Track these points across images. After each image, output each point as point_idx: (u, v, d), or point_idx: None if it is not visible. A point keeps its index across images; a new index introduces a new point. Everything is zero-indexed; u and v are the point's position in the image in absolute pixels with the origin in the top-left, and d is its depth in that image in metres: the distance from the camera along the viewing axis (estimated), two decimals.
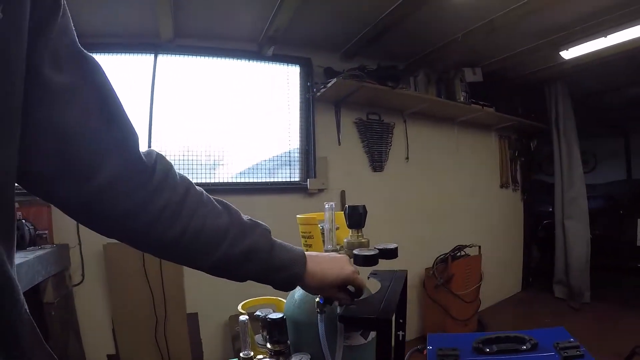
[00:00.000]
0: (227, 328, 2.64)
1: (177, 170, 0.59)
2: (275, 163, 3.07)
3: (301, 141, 3.08)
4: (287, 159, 3.08)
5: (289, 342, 0.84)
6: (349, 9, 2.51)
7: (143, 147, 0.56)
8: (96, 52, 2.58)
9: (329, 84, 2.78)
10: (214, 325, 2.65)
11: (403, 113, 3.41)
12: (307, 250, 0.88)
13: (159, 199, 0.54)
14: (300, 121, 3.08)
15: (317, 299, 0.75)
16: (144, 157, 0.54)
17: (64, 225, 2.34)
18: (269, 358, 0.81)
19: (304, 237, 0.89)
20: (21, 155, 0.42)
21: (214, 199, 0.63)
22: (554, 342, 0.95)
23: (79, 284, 2.37)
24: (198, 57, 2.81)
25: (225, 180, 2.89)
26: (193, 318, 2.61)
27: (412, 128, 3.47)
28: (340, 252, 0.79)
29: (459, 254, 3.34)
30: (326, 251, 0.78)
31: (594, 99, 4.62)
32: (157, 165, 0.55)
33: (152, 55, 2.69)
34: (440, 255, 3.30)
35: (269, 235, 0.68)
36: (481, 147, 4.12)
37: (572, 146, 4.14)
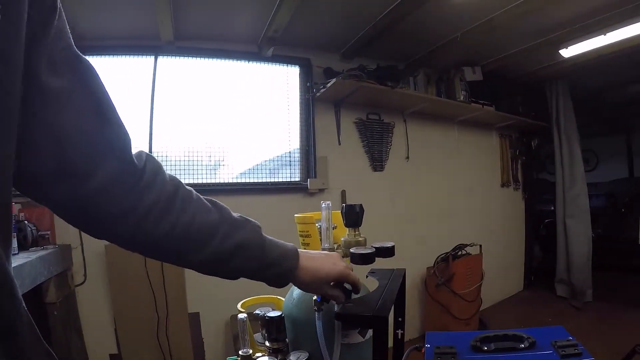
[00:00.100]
0: (228, 327, 2.65)
1: (166, 170, 0.60)
2: (276, 163, 3.08)
3: (301, 141, 3.09)
4: (288, 159, 3.09)
5: (287, 340, 0.85)
6: (348, 9, 2.52)
7: (134, 149, 0.57)
8: (97, 55, 2.60)
9: (329, 84, 2.78)
10: (215, 324, 2.66)
11: (403, 113, 3.42)
12: (305, 249, 0.89)
13: (148, 197, 0.55)
14: (300, 121, 3.08)
15: (315, 297, 0.76)
16: (135, 159, 0.55)
17: (66, 226, 2.33)
18: (267, 356, 0.82)
19: (301, 236, 0.90)
20: (17, 157, 0.43)
21: (204, 198, 0.64)
22: (551, 341, 0.95)
23: (81, 284, 2.39)
24: (198, 59, 2.82)
25: (227, 181, 2.90)
26: (195, 317, 2.62)
27: (412, 127, 3.48)
28: (337, 250, 0.80)
29: (459, 253, 3.34)
30: (323, 250, 0.78)
31: (594, 98, 4.62)
32: (147, 165, 0.56)
33: (153, 57, 2.70)
34: (441, 255, 3.29)
35: (259, 231, 0.68)
36: (482, 146, 4.12)
37: (573, 145, 4.13)
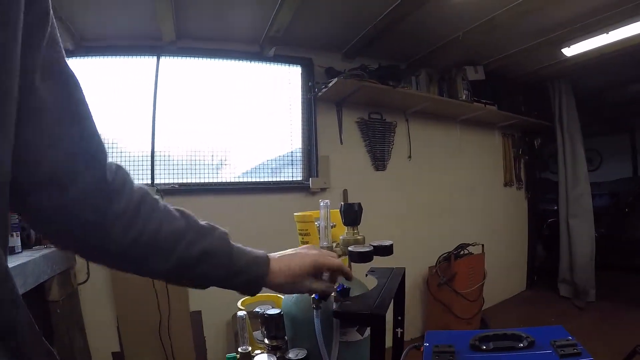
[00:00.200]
0: (230, 326, 2.66)
1: (133, 180, 0.60)
2: (278, 163, 3.09)
3: (303, 141, 3.09)
4: (290, 158, 3.10)
5: (286, 337, 0.85)
6: (348, 9, 2.52)
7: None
8: (99, 55, 2.62)
9: (330, 84, 2.79)
10: (217, 322, 2.67)
11: (405, 112, 3.41)
12: None
13: (118, 206, 0.55)
14: (302, 121, 3.09)
15: (313, 295, 0.76)
16: (108, 171, 0.55)
17: None
18: (266, 353, 0.83)
19: (301, 234, 0.90)
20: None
21: (172, 207, 0.64)
22: (551, 340, 0.95)
23: (84, 282, 2.40)
24: (200, 59, 2.83)
25: (229, 180, 2.91)
26: (197, 316, 2.63)
27: (414, 127, 3.47)
28: (335, 249, 0.80)
29: (462, 252, 3.33)
30: (321, 247, 0.79)
31: (596, 97, 4.60)
32: (117, 175, 0.56)
33: (155, 58, 2.71)
34: (444, 254, 3.29)
35: (227, 238, 0.67)
36: (484, 145, 4.12)
37: (576, 144, 4.12)
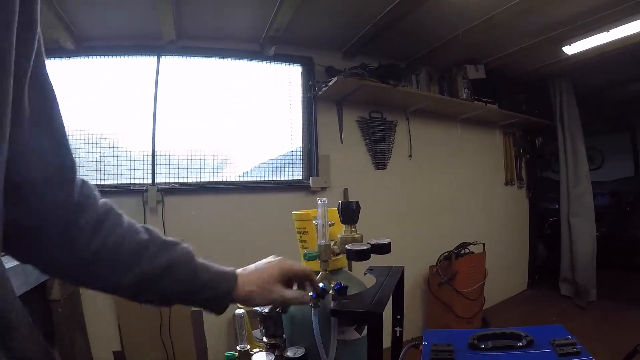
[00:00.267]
0: (231, 325, 2.66)
1: (98, 195, 0.60)
2: (278, 162, 3.09)
3: (303, 140, 3.09)
4: (290, 157, 3.09)
5: (284, 336, 0.85)
6: (348, 8, 2.52)
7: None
8: (100, 55, 2.62)
9: (330, 83, 2.78)
10: (218, 321, 2.67)
11: (405, 111, 3.41)
12: (302, 246, 0.90)
13: (81, 220, 0.55)
14: (303, 120, 3.09)
15: (311, 293, 0.76)
16: (75, 185, 0.55)
17: None
18: (264, 351, 0.83)
19: (299, 232, 0.90)
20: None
21: (138, 224, 0.63)
22: (550, 339, 0.95)
23: None
24: (200, 58, 2.84)
25: (230, 179, 2.92)
26: (198, 315, 2.63)
27: (414, 126, 3.47)
28: (333, 247, 0.80)
29: (462, 251, 3.33)
30: (319, 246, 0.79)
31: (598, 95, 4.59)
32: (83, 188, 0.57)
33: (155, 57, 2.71)
34: (444, 253, 3.30)
35: (191, 253, 0.66)
36: (485, 144, 4.11)
37: (577, 143, 4.11)
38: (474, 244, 3.39)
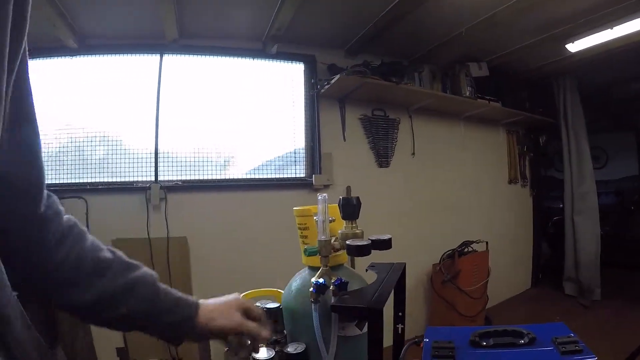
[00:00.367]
0: None
1: (63, 210, 0.60)
2: (281, 161, 3.09)
3: (306, 138, 3.09)
4: (292, 155, 3.10)
5: (285, 331, 0.85)
6: (349, 7, 2.52)
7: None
8: (102, 54, 2.63)
9: (333, 80, 2.78)
10: None
11: (408, 109, 3.40)
12: (303, 242, 0.90)
13: (46, 233, 0.55)
14: (305, 118, 3.09)
15: (311, 289, 0.76)
16: (43, 198, 0.55)
17: None
18: (265, 347, 0.83)
19: (300, 228, 0.90)
20: None
21: (101, 243, 0.63)
22: (552, 337, 0.94)
23: None
24: (203, 56, 2.84)
25: (233, 177, 2.92)
26: None
27: (417, 124, 3.46)
28: (334, 243, 0.80)
29: (466, 249, 3.32)
30: (319, 241, 0.79)
31: (602, 93, 4.56)
32: (49, 202, 0.57)
33: (158, 56, 2.72)
34: (447, 251, 3.29)
35: (155, 277, 0.65)
36: (488, 142, 4.10)
37: (581, 141, 4.09)
38: (477, 242, 3.38)
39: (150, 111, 2.70)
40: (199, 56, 2.83)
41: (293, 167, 3.10)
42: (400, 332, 0.96)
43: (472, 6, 2.52)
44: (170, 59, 2.76)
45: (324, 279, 0.77)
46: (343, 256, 0.88)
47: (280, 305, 0.85)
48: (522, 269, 4.46)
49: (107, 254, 0.61)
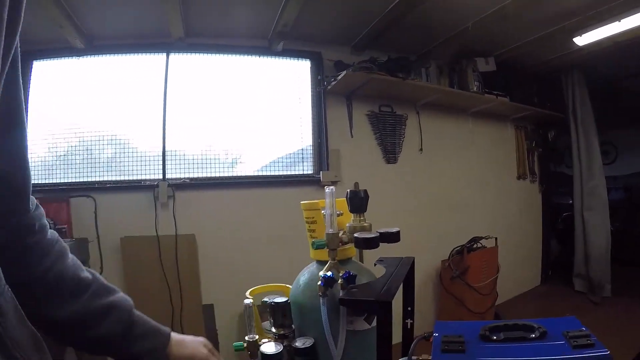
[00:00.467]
0: (242, 319, 2.67)
1: (47, 222, 0.60)
2: (289, 157, 3.09)
3: (313, 134, 3.09)
4: (300, 152, 3.10)
5: (293, 326, 0.85)
6: (355, 2, 2.51)
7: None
8: (109, 54, 2.65)
9: (339, 77, 2.77)
10: (229, 315, 2.69)
11: (415, 104, 3.38)
12: (311, 236, 0.89)
13: (31, 238, 0.55)
14: (312, 115, 3.09)
15: (319, 282, 0.76)
16: (30, 204, 0.55)
17: (82, 220, 2.42)
18: (273, 341, 0.83)
19: (307, 222, 0.89)
20: None
21: (81, 264, 0.63)
22: (563, 331, 0.93)
23: None
24: (209, 55, 2.85)
25: (241, 174, 2.93)
26: (209, 309, 2.65)
27: (425, 119, 3.44)
28: (342, 236, 0.80)
29: (475, 245, 3.30)
30: (327, 234, 0.78)
31: (611, 87, 4.49)
32: (36, 211, 0.57)
33: (164, 55, 2.74)
34: (456, 247, 3.27)
35: (131, 303, 0.66)
36: (497, 137, 4.06)
37: (590, 136, 4.03)
38: (486, 238, 3.35)
39: (158, 110, 2.71)
40: (205, 54, 2.84)
41: (301, 164, 3.10)
42: (409, 327, 0.95)
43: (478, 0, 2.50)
44: (176, 58, 2.77)
45: (332, 272, 0.77)
46: (351, 250, 0.87)
47: (288, 300, 0.84)
48: (531, 265, 4.43)
49: (87, 275, 0.62)
